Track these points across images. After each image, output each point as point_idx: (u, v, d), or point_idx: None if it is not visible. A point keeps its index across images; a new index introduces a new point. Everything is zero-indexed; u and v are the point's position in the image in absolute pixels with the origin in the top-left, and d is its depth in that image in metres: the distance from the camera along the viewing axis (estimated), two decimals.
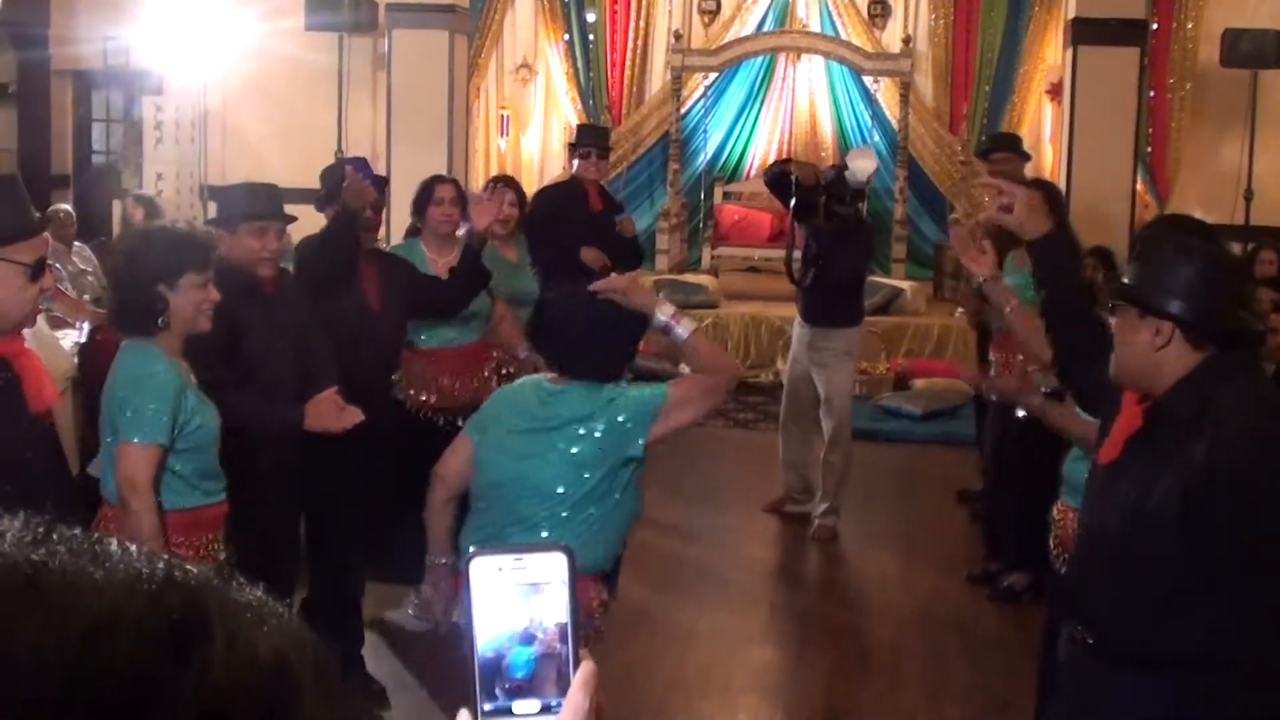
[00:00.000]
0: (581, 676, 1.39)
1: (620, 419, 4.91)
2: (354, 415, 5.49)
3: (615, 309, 4.96)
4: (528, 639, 1.39)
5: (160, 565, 0.94)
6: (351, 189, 6.59)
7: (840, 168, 9.58)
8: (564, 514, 4.88)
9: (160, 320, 4.68)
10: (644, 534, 9.42)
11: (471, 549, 1.41)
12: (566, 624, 1.40)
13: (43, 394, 4.20)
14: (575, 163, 10.02)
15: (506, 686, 1.39)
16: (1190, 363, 3.86)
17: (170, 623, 0.90)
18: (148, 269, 4.71)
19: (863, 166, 9.69)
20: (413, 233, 7.97)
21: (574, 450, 4.89)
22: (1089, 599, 4.09)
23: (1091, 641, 4.05)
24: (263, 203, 6.14)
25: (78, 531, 0.95)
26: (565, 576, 1.40)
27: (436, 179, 8.07)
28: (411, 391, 7.56)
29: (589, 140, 10.11)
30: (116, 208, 14.12)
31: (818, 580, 7.54)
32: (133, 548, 0.95)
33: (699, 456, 11.84)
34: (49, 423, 4.23)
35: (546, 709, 1.38)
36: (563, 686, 1.38)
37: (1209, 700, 3.81)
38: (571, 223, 9.29)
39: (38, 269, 4.15)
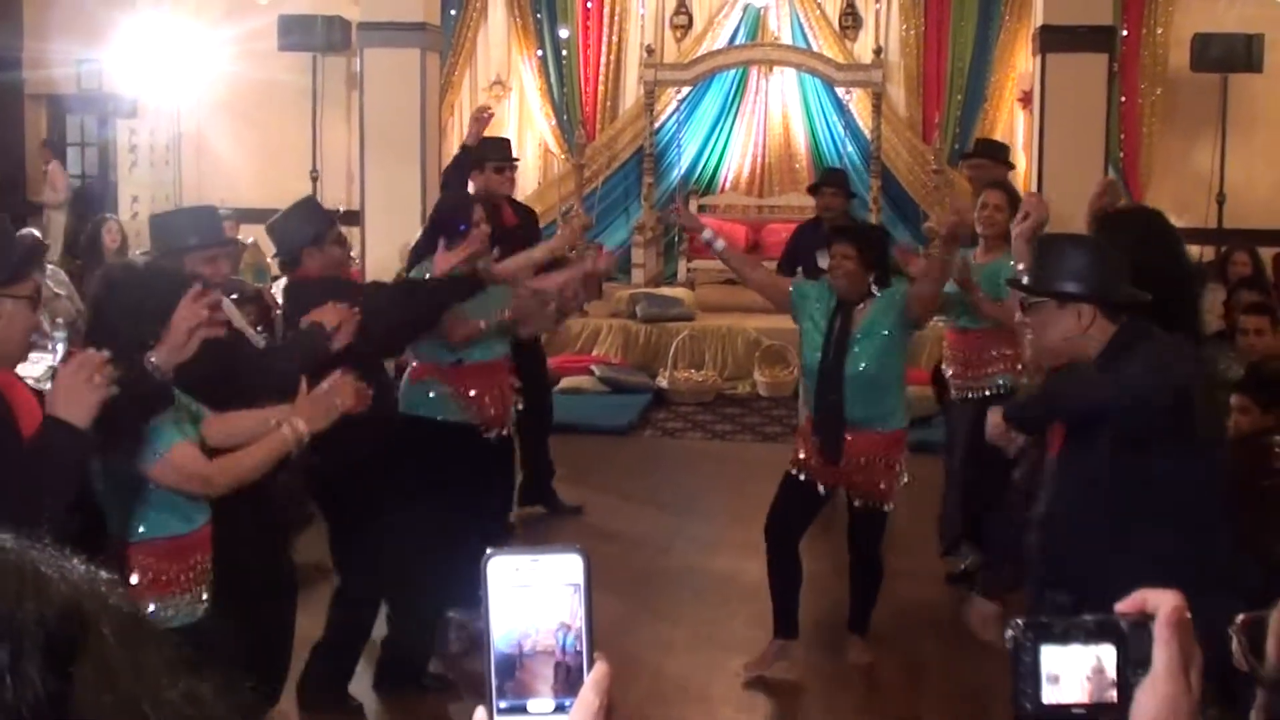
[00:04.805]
0: (594, 676, 1.40)
1: None
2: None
3: None
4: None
5: None
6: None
7: None
8: None
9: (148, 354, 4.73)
10: (620, 545, 9.45)
11: (489, 550, 1.42)
12: (582, 625, 1.42)
13: (34, 425, 4.21)
14: (490, 177, 9.50)
15: (525, 682, 1.41)
16: (1109, 332, 4.46)
17: None
18: (152, 303, 4.74)
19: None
20: (426, 252, 7.81)
21: None
22: (1070, 568, 4.49)
23: (1075, 603, 4.27)
24: (214, 229, 6.22)
25: None
26: (580, 578, 1.42)
27: (473, 199, 8.07)
28: (478, 409, 7.51)
29: (498, 153, 9.81)
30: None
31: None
32: None
33: (676, 468, 11.87)
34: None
35: (560, 708, 1.40)
36: (576, 686, 1.40)
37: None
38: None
39: (36, 299, 4.20)
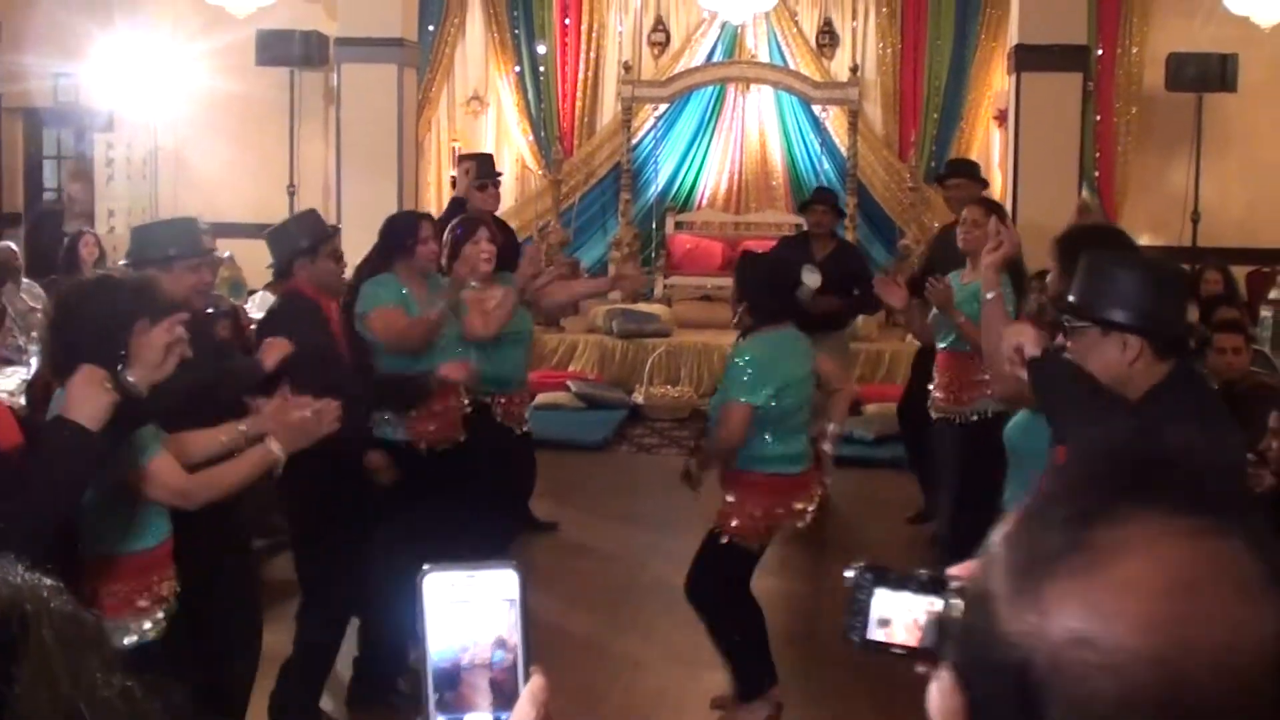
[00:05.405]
0: (530, 689, 1.42)
1: None
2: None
3: None
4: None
5: None
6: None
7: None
8: None
9: (120, 369, 4.68)
10: (594, 561, 9.46)
11: (426, 566, 1.45)
12: (517, 639, 1.44)
13: (7, 433, 4.20)
14: (473, 194, 9.65)
15: (462, 695, 1.43)
16: (1158, 373, 3.98)
17: None
18: (112, 316, 4.71)
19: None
20: (377, 268, 7.81)
21: None
22: None
23: None
24: (193, 240, 6.22)
25: None
26: (516, 593, 1.44)
27: (420, 216, 8.09)
28: (415, 429, 7.48)
29: (484, 172, 9.88)
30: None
31: (768, 604, 7.53)
32: None
33: (650, 483, 11.87)
34: (14, 464, 4.22)
35: None
36: (512, 700, 1.42)
37: None
38: None
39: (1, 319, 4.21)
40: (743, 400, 6.65)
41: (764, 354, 6.73)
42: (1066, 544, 1.17)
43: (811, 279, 10.47)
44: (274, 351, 6.21)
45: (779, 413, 6.69)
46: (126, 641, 4.68)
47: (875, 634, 1.56)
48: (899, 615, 1.54)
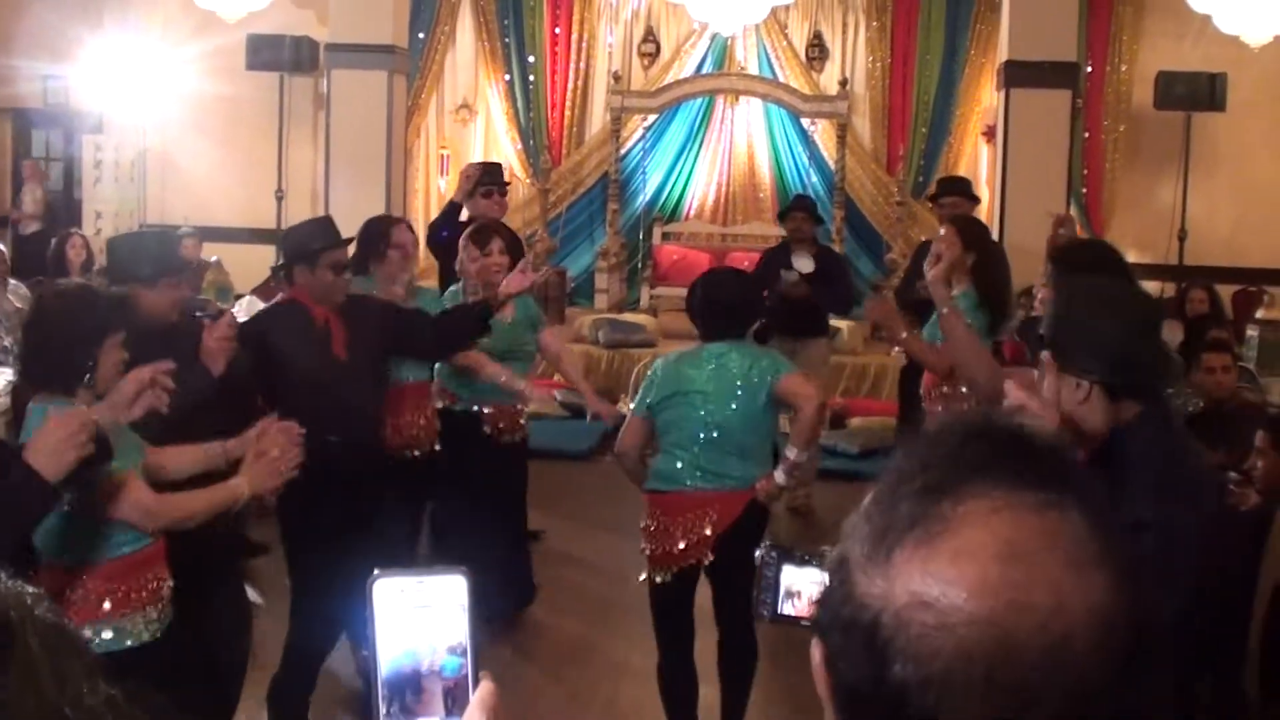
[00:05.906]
0: (480, 696, 1.43)
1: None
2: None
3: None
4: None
5: None
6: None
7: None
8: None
9: (87, 379, 4.67)
10: (579, 570, 9.46)
11: (376, 571, 1.45)
12: (465, 644, 1.44)
13: None
14: (478, 202, 9.64)
15: (412, 702, 1.43)
16: (1123, 413, 3.84)
17: None
18: (86, 327, 4.70)
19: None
20: (355, 272, 7.88)
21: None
22: None
23: None
24: (167, 257, 6.17)
25: None
26: (464, 599, 1.44)
27: (392, 220, 8.12)
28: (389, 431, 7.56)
29: (492, 179, 9.89)
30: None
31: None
32: None
33: (636, 493, 11.84)
34: None
35: None
36: (462, 705, 1.42)
37: None
38: None
39: None
40: (632, 408, 6.77)
41: (660, 365, 6.68)
42: (916, 515, 1.27)
43: (804, 263, 10.60)
44: (213, 347, 5.96)
45: (665, 424, 6.59)
46: (128, 642, 4.68)
47: (785, 608, 1.60)
48: (805, 589, 1.57)
